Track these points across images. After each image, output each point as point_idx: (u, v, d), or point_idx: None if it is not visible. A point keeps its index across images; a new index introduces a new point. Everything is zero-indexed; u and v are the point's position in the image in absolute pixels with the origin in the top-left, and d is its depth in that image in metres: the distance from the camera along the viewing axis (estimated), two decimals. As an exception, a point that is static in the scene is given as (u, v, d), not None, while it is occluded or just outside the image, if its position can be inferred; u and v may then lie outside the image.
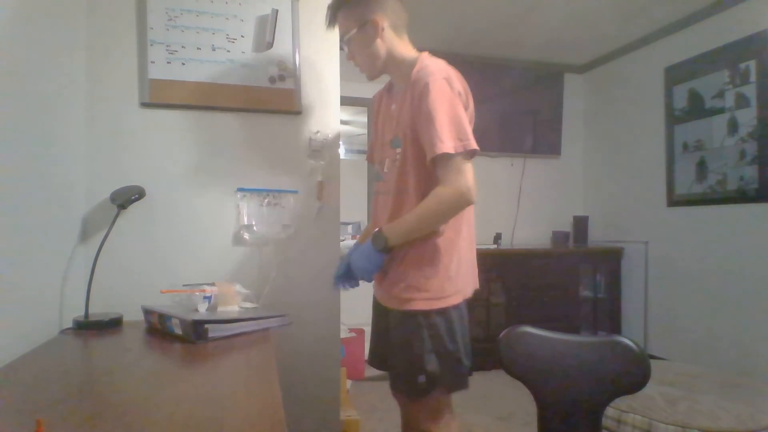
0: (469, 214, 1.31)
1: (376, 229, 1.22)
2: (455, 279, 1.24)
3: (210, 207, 1.49)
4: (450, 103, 1.14)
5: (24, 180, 1.04)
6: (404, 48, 1.30)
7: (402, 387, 1.26)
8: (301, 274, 1.55)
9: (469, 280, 1.31)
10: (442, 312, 1.21)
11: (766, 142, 2.64)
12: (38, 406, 0.70)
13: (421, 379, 1.19)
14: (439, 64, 1.21)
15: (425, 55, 1.27)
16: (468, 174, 1.14)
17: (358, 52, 1.30)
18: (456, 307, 1.24)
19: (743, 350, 2.74)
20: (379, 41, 1.26)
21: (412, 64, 1.24)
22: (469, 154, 1.15)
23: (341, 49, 1.39)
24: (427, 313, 1.20)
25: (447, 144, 1.11)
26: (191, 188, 1.48)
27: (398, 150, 1.26)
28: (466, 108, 1.20)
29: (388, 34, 1.27)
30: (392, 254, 1.24)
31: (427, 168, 1.18)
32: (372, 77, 1.34)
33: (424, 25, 3.15)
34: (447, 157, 1.12)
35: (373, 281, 1.34)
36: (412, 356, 1.20)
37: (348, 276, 1.30)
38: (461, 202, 1.16)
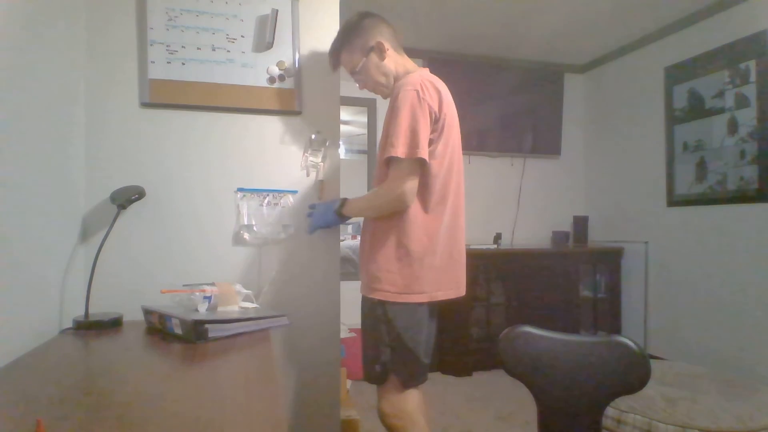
0: (449, 221, 1.35)
1: (345, 197, 1.42)
2: (422, 280, 1.30)
3: (210, 207, 1.49)
4: (412, 114, 1.24)
5: (24, 180, 1.04)
6: (404, 65, 1.42)
7: (365, 373, 1.38)
8: (301, 274, 1.55)
9: (441, 285, 1.34)
10: (403, 307, 1.29)
11: (766, 142, 2.64)
12: (38, 406, 0.70)
13: (377, 368, 1.32)
14: (418, 77, 1.30)
15: (419, 70, 1.39)
16: (407, 179, 1.24)
17: (369, 77, 1.41)
18: (422, 305, 1.31)
19: (743, 350, 2.74)
20: (387, 60, 1.39)
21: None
22: (418, 162, 1.25)
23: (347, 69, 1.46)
24: (386, 305, 1.30)
25: (398, 149, 1.22)
26: (191, 188, 1.48)
27: (378, 151, 1.38)
28: (438, 117, 1.29)
29: (392, 53, 1.39)
30: (368, 245, 1.36)
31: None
32: (387, 96, 1.44)
33: (424, 25, 3.15)
34: (397, 160, 1.24)
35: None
36: (372, 346, 1.34)
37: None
38: (395, 201, 1.26)
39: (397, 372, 1.32)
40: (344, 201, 1.39)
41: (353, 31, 1.39)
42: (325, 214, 1.42)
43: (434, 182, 1.30)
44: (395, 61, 1.40)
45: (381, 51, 1.37)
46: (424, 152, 1.24)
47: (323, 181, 1.56)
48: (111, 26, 1.43)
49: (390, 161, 1.26)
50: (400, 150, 1.22)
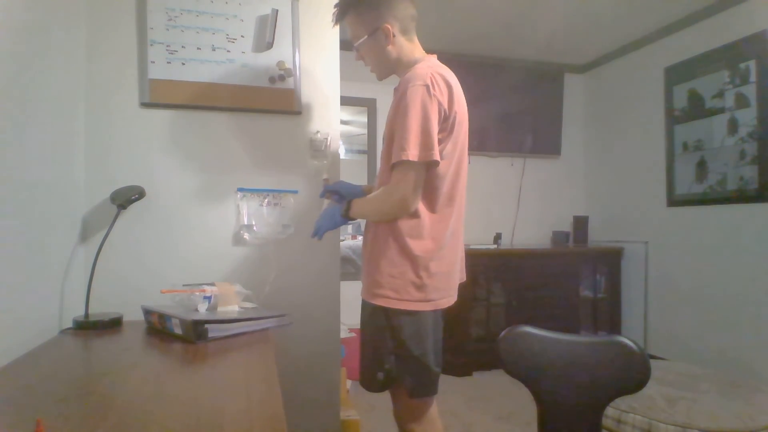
0: (454, 226, 1.29)
1: (350, 199, 1.33)
2: (428, 288, 1.23)
3: (210, 207, 1.49)
4: (423, 112, 1.15)
5: (24, 180, 1.04)
6: (411, 51, 1.31)
7: (365, 380, 1.32)
8: (301, 274, 1.55)
9: (445, 293, 1.28)
10: (408, 315, 1.22)
11: (766, 142, 2.64)
12: (38, 406, 0.70)
13: (380, 376, 1.26)
14: (428, 69, 1.20)
15: (427, 58, 1.30)
16: (411, 182, 1.17)
17: (369, 56, 1.32)
18: (428, 313, 1.25)
19: (743, 350, 2.74)
20: (390, 47, 1.28)
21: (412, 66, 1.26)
22: (429, 165, 1.19)
23: (350, 50, 1.39)
24: (389, 312, 1.23)
25: (410, 152, 1.14)
26: (191, 188, 1.48)
27: (383, 149, 1.30)
28: (447, 115, 1.20)
29: (399, 39, 1.28)
30: (371, 247, 1.28)
31: None
32: (382, 78, 1.37)
33: (424, 25, 3.13)
34: (406, 164, 1.15)
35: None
36: (374, 352, 1.27)
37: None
38: (396, 207, 1.20)
39: (403, 381, 1.26)
40: (349, 204, 1.31)
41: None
42: (333, 217, 1.35)
43: (441, 184, 1.23)
44: (401, 48, 1.29)
45: (387, 36, 1.26)
46: (437, 154, 1.16)
47: (328, 179, 1.55)
48: (111, 26, 1.43)
49: (396, 164, 1.17)
50: (411, 153, 1.14)
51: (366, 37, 1.28)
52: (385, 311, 1.23)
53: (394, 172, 1.18)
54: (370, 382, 1.29)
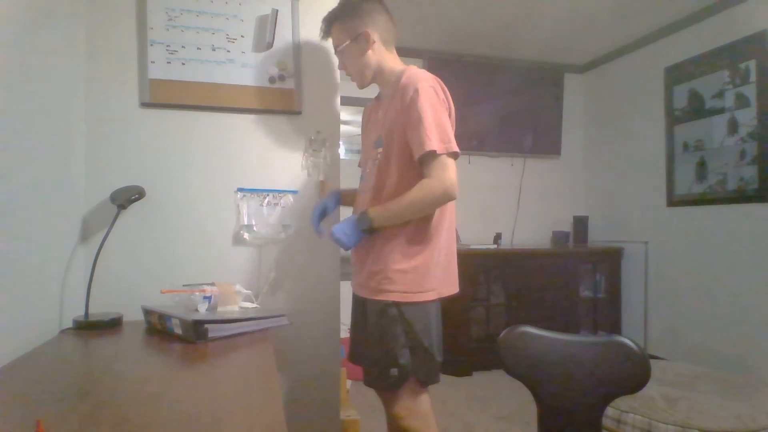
0: (450, 219, 1.35)
1: (363, 210, 1.29)
2: (431, 277, 1.29)
3: (210, 207, 1.49)
4: (435, 109, 1.23)
5: (24, 180, 1.04)
6: (392, 61, 1.39)
7: (375, 380, 1.30)
8: (301, 274, 1.55)
9: (445, 282, 1.33)
10: (418, 306, 1.27)
11: (766, 142, 2.64)
12: (38, 406, 0.70)
13: (394, 372, 1.25)
14: (426, 73, 1.30)
15: (412, 67, 1.36)
16: (451, 171, 1.21)
17: (350, 62, 1.39)
18: (433, 302, 1.30)
19: (743, 350, 2.74)
20: (370, 52, 1.35)
21: (400, 74, 1.32)
22: (453, 156, 1.24)
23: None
24: (401, 306, 1.26)
25: (435, 144, 1.19)
26: (191, 188, 1.48)
27: (380, 150, 1.33)
28: (449, 114, 1.30)
29: (378, 46, 1.36)
30: (372, 247, 1.31)
31: (412, 166, 1.26)
32: (362, 86, 1.42)
33: (424, 25, 3.15)
34: (434, 154, 1.20)
35: (352, 273, 1.42)
36: (386, 349, 1.26)
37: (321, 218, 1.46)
38: (444, 196, 1.22)
39: (418, 373, 1.27)
40: (369, 218, 1.27)
41: (350, 9, 1.36)
42: (354, 233, 1.29)
43: None
44: (381, 56, 1.36)
45: (366, 41, 1.34)
46: (455, 145, 1.23)
47: (324, 181, 1.56)
48: (111, 26, 1.43)
49: (424, 158, 1.21)
50: (437, 145, 1.19)
51: (348, 42, 1.35)
52: (398, 306, 1.26)
53: (425, 164, 1.22)
54: (381, 380, 1.27)
